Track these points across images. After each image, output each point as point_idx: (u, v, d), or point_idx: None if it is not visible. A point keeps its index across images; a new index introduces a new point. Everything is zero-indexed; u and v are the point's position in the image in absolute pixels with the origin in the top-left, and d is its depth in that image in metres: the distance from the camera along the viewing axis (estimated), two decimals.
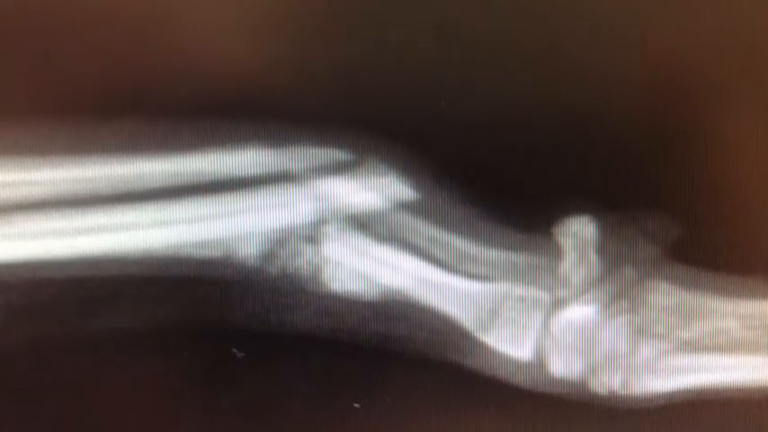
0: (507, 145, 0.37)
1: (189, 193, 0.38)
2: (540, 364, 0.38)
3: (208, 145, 0.38)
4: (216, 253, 0.38)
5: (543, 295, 0.38)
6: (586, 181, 0.37)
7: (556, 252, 0.38)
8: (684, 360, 0.37)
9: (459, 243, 0.38)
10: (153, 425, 0.39)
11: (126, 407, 0.39)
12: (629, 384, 0.38)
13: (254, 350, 0.39)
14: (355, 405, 0.39)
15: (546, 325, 0.38)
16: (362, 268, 0.38)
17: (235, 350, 0.38)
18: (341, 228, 0.38)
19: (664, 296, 0.37)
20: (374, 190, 0.38)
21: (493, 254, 0.38)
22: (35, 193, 0.38)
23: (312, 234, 0.38)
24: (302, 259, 0.38)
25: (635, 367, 0.38)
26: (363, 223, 0.38)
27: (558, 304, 0.38)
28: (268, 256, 0.38)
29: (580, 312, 0.38)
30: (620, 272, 0.38)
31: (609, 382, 0.38)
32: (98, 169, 0.38)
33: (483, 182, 0.37)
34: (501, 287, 0.38)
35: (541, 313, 0.38)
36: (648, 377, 0.38)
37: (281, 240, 0.38)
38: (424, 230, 0.38)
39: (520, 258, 0.38)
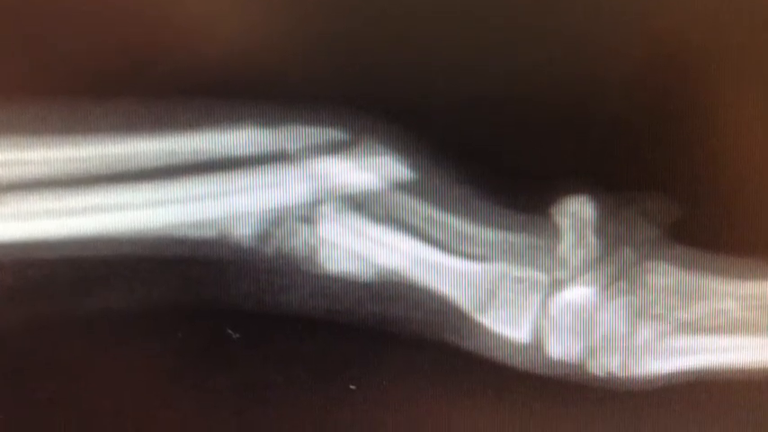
0: (505, 125, 0.37)
1: (184, 173, 0.38)
2: (537, 345, 0.38)
3: (203, 125, 0.38)
4: (211, 233, 0.38)
5: (541, 276, 0.38)
6: (585, 161, 0.37)
7: (554, 233, 0.38)
8: (683, 341, 0.37)
9: (457, 223, 0.38)
10: (147, 405, 0.39)
11: (120, 387, 0.39)
12: (627, 366, 0.37)
13: (249, 331, 0.38)
14: (351, 387, 0.39)
15: (544, 306, 0.38)
16: (359, 248, 0.38)
17: (230, 331, 0.38)
18: (337, 208, 0.38)
19: (663, 277, 0.37)
20: (370, 170, 0.38)
21: (490, 234, 0.38)
22: (29, 172, 0.38)
23: (308, 214, 0.38)
24: (298, 239, 0.38)
25: (634, 349, 0.38)
26: (360, 203, 0.38)
27: (556, 285, 0.38)
28: (263, 236, 0.38)
29: (578, 294, 0.38)
30: (618, 253, 0.37)
31: (607, 364, 0.38)
32: (92, 149, 0.38)
33: (480, 161, 0.37)
34: (498, 268, 0.38)
35: (539, 294, 0.38)
36: (647, 359, 0.37)
37: (277, 220, 0.38)
38: (421, 210, 0.38)
39: (518, 239, 0.38)
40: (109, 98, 0.38)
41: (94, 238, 0.38)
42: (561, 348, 0.38)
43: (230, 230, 0.38)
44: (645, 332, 0.37)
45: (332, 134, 0.38)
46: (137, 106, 0.38)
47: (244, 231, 0.38)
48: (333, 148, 0.38)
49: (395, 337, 0.38)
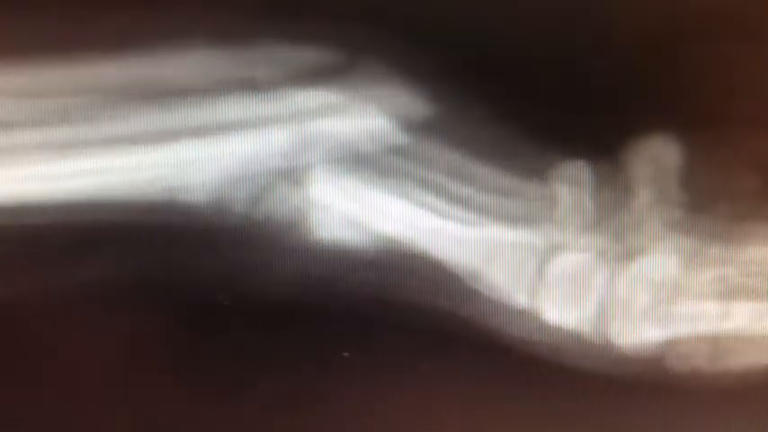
0: (500, 86, 0.36)
1: (114, 111, 0.35)
2: (534, 311, 0.37)
3: (138, 44, 0.33)
4: (155, 192, 0.36)
5: (538, 241, 0.37)
6: (583, 125, 0.36)
7: (551, 197, 0.37)
8: (683, 307, 0.37)
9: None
10: (134, 373, 0.39)
11: (102, 355, 0.38)
12: (625, 333, 0.37)
13: (238, 300, 0.38)
14: (345, 354, 0.38)
15: (540, 271, 0.37)
16: (353, 213, 0.37)
17: (221, 297, 0.37)
18: (328, 158, 0.37)
19: (661, 242, 0.37)
20: (372, 103, 0.36)
21: (486, 198, 0.37)
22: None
23: (289, 167, 0.36)
24: (286, 204, 0.37)
25: (631, 315, 0.37)
26: (358, 151, 0.36)
27: (553, 250, 0.37)
28: (227, 196, 0.36)
29: (575, 258, 0.37)
30: (616, 217, 0.37)
31: (605, 331, 0.37)
32: None
33: (477, 124, 0.36)
34: (495, 232, 0.37)
35: (536, 259, 0.37)
36: (645, 325, 0.37)
37: (246, 176, 0.36)
38: (416, 174, 0.37)
39: (514, 203, 0.37)
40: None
41: (47, 205, 0.36)
42: (558, 314, 0.37)
43: (182, 188, 0.36)
44: (643, 298, 0.37)
45: (318, 56, 0.35)
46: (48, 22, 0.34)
47: (220, 195, 0.36)
48: (319, 76, 0.35)
49: (390, 304, 0.37)
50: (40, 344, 0.38)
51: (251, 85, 0.33)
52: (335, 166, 0.36)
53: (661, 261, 0.37)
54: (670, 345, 0.37)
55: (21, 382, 0.38)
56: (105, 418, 0.38)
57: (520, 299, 0.37)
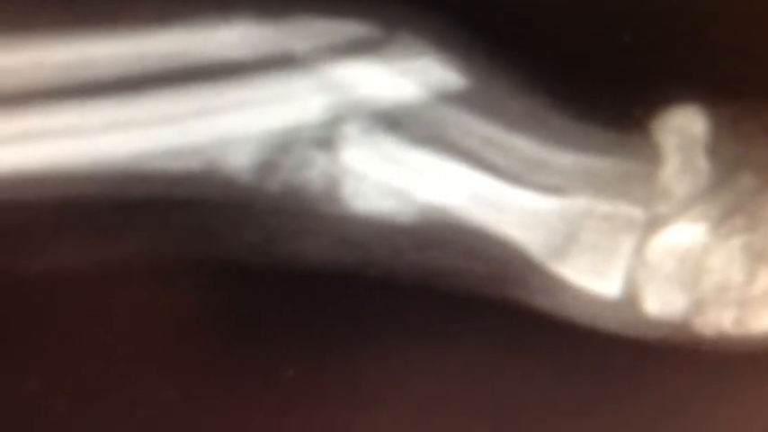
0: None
1: (155, 85, 0.34)
2: (631, 300, 0.34)
3: (179, 19, 0.34)
4: (195, 165, 0.35)
5: (636, 212, 0.34)
6: (694, 58, 0.34)
7: (653, 155, 0.34)
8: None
9: (523, 145, 0.34)
10: (175, 341, 0.38)
11: (145, 325, 0.37)
12: (744, 322, 0.34)
13: (253, 292, 0.36)
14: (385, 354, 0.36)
15: (639, 250, 0.34)
16: (394, 181, 0.34)
17: None
18: (364, 127, 0.34)
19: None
20: (407, 76, 0.34)
21: (568, 158, 0.34)
22: None
23: (326, 136, 0.34)
24: (313, 171, 0.34)
25: (752, 301, 0.34)
26: (394, 121, 0.34)
27: (655, 223, 0.34)
28: (266, 167, 0.34)
29: (684, 233, 0.34)
30: (736, 179, 0.34)
31: (719, 321, 0.34)
32: (29, 55, 0.34)
33: (553, 62, 0.33)
34: (579, 202, 0.34)
35: (634, 235, 0.34)
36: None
37: (284, 145, 0.34)
38: (476, 129, 0.34)
39: (605, 164, 0.34)
40: None
41: (36, 175, 0.34)
42: (661, 303, 0.34)
43: (221, 160, 0.35)
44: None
45: (356, 30, 0.34)
46: None
47: (239, 161, 0.35)
48: (357, 49, 0.34)
49: (443, 294, 0.35)
50: (83, 315, 0.37)
51: (289, 58, 0.35)
52: (371, 137, 0.35)
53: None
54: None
55: (69, 348, 0.37)
56: (150, 384, 0.37)
57: (612, 285, 0.35)
